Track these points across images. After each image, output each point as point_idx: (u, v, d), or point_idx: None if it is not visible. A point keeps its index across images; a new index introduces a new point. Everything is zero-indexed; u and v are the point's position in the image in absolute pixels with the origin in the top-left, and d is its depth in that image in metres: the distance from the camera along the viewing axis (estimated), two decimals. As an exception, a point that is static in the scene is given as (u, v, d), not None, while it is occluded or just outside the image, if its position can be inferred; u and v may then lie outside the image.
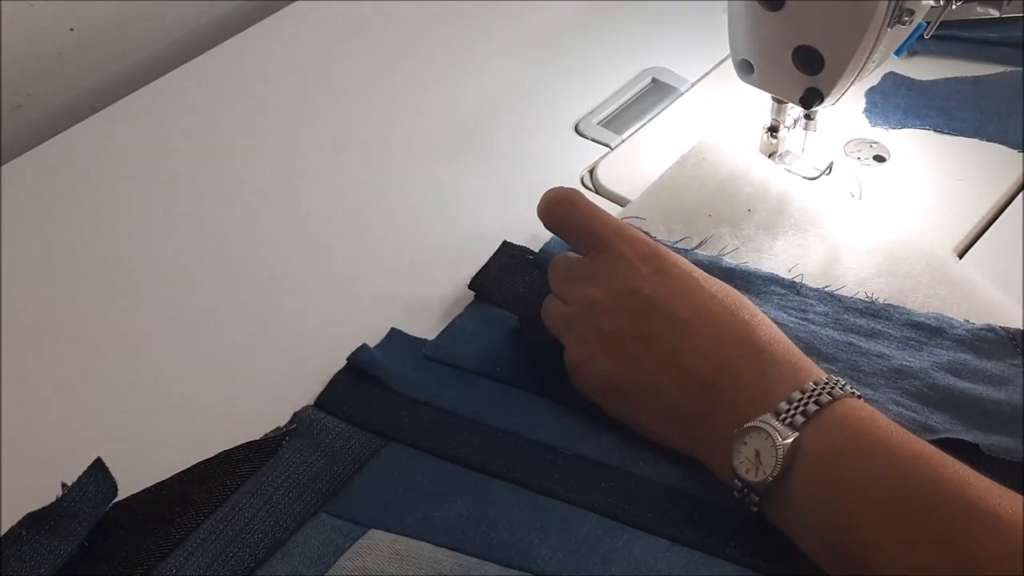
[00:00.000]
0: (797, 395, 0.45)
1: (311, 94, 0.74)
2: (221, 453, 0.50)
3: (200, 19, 0.83)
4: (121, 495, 0.48)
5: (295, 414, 0.52)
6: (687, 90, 0.73)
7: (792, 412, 0.44)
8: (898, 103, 0.71)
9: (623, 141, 0.70)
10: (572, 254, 0.55)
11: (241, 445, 0.50)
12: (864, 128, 0.69)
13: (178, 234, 0.64)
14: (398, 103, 0.73)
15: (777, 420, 0.44)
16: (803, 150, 0.66)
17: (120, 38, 0.79)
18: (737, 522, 0.46)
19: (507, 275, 0.59)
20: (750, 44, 0.59)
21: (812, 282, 0.58)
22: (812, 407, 0.44)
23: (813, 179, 0.65)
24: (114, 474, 0.48)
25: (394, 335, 0.57)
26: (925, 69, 0.73)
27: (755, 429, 0.44)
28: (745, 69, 0.61)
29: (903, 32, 0.57)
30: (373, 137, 0.71)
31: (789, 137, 0.65)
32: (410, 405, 0.53)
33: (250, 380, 0.56)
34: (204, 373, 0.56)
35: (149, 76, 0.75)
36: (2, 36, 0.72)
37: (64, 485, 0.47)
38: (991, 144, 0.67)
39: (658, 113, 0.72)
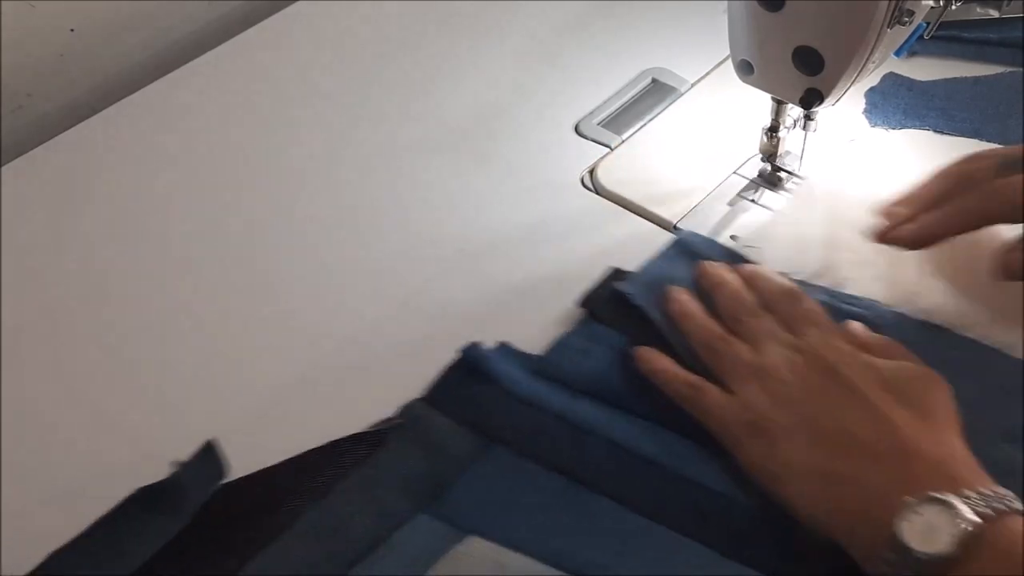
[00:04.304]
0: (984, 491, 0.42)
1: (311, 95, 0.74)
2: (329, 443, 0.49)
3: (201, 20, 0.83)
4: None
5: (402, 407, 0.52)
6: (687, 90, 0.74)
7: (978, 501, 0.42)
8: (898, 104, 0.71)
9: (623, 141, 0.70)
10: (741, 286, 0.55)
11: (347, 436, 0.50)
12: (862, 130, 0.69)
13: (179, 235, 0.64)
14: (398, 104, 0.73)
15: (962, 501, 0.42)
16: (803, 151, 0.66)
17: (121, 39, 0.79)
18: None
19: (623, 301, 0.57)
20: (750, 44, 0.59)
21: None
22: (1000, 506, 0.42)
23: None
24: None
25: (503, 348, 0.55)
26: (925, 70, 0.73)
27: (938, 501, 0.42)
28: (745, 69, 0.61)
29: (903, 33, 0.57)
30: (372, 138, 0.71)
31: (789, 138, 0.65)
32: (518, 406, 0.52)
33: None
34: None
35: (150, 77, 0.75)
36: (3, 37, 0.72)
37: (175, 463, 0.47)
38: (991, 145, 0.67)
39: (658, 113, 0.72)
